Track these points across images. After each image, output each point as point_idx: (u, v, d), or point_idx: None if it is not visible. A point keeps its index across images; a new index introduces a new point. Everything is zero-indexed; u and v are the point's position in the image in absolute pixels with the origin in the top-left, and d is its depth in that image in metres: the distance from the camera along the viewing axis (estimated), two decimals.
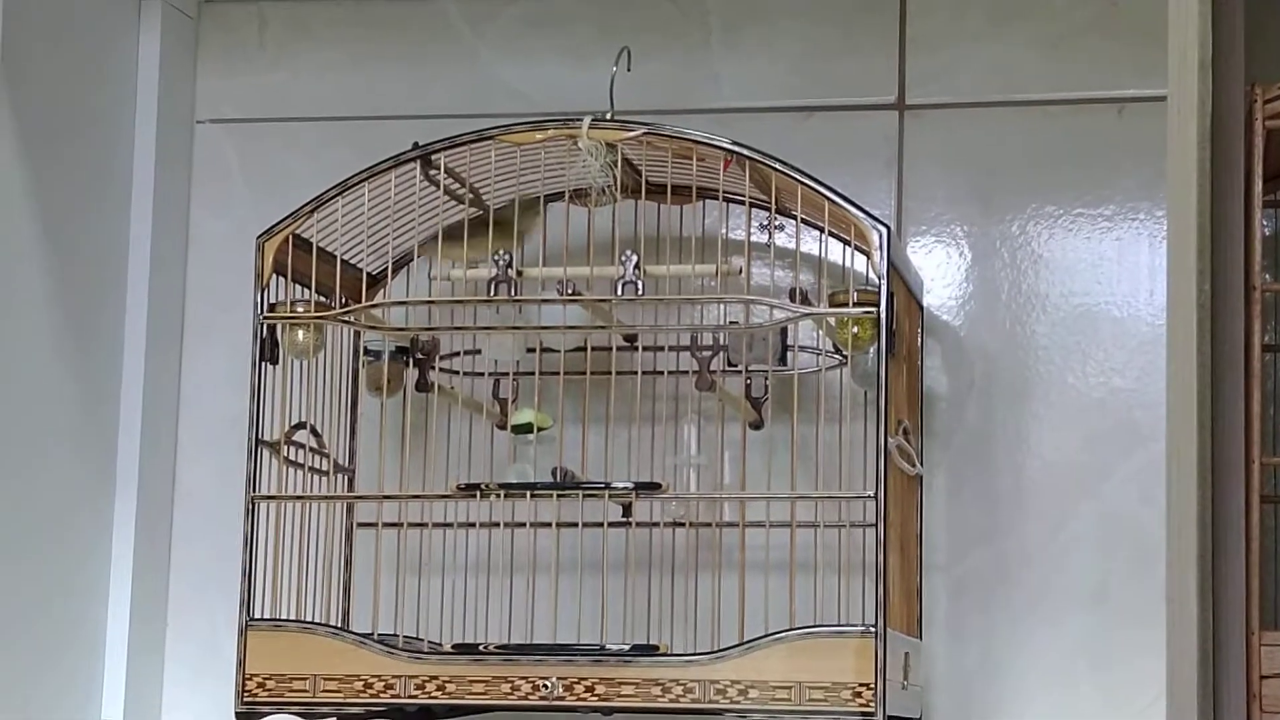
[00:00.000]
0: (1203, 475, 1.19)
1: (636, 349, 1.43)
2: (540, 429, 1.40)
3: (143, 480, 1.53)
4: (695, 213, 1.42)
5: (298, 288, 1.39)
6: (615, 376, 1.36)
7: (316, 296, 1.39)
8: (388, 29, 1.58)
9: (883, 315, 1.31)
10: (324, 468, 1.42)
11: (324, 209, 1.38)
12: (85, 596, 1.50)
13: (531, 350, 1.42)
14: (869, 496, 1.30)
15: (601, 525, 1.35)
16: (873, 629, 1.27)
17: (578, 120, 1.35)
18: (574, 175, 1.38)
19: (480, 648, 1.33)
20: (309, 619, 1.36)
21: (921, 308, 1.46)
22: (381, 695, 1.32)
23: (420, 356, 1.44)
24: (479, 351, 1.44)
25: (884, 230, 1.31)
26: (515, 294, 1.36)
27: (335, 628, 1.36)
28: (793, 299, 1.34)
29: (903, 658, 1.34)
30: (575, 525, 1.35)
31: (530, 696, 1.30)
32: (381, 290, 1.44)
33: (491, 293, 1.36)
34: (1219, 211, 1.24)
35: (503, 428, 1.44)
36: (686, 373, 1.40)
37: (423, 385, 1.44)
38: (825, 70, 1.52)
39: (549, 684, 1.30)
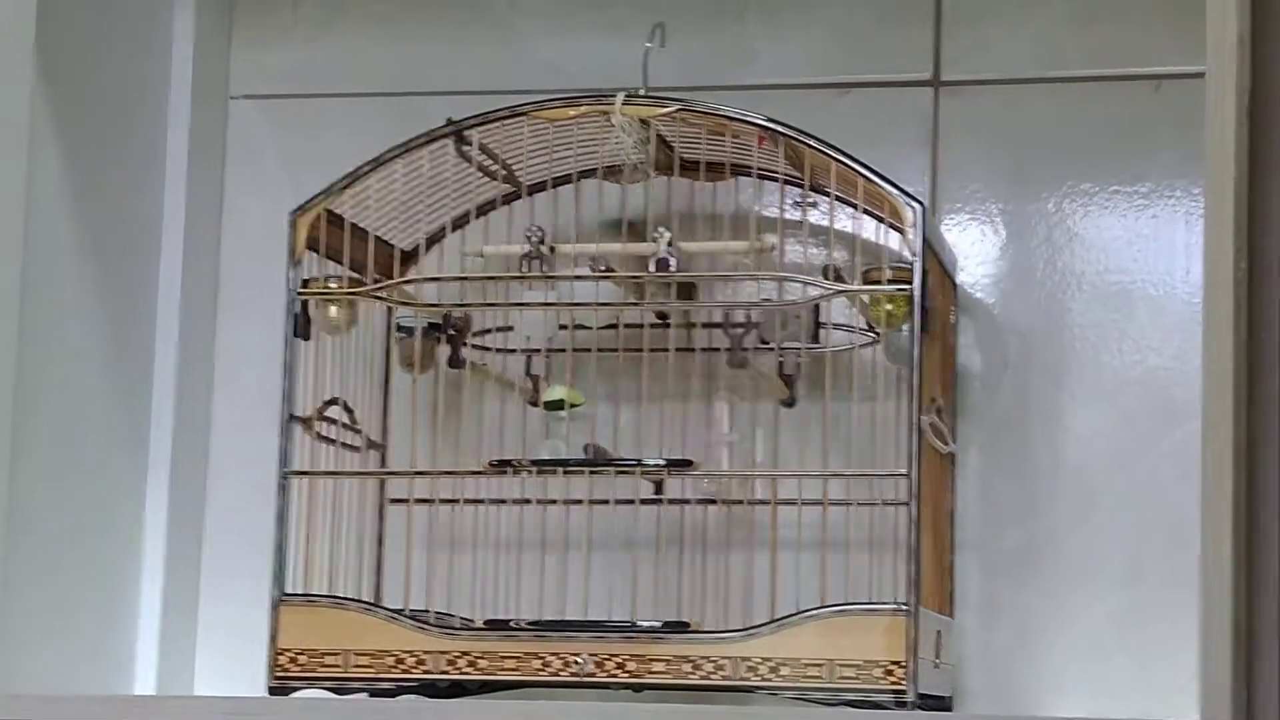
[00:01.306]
0: (1239, 453, 1.18)
1: (669, 326, 1.42)
2: (572, 406, 1.40)
3: (176, 456, 1.53)
4: (729, 189, 1.41)
5: (331, 264, 1.39)
6: (648, 353, 1.36)
7: (349, 273, 1.39)
8: (423, 4, 1.58)
9: (917, 292, 1.30)
10: (356, 444, 1.43)
11: (357, 185, 1.38)
12: (118, 571, 1.50)
13: (564, 327, 1.42)
14: (902, 474, 1.29)
15: (633, 502, 1.35)
16: (905, 607, 1.27)
17: (611, 96, 1.35)
18: (607, 152, 1.37)
19: (512, 624, 1.33)
20: (341, 595, 1.36)
21: (955, 285, 1.46)
22: (413, 671, 1.32)
23: (452, 333, 1.44)
24: (511, 328, 1.44)
25: (918, 207, 1.31)
26: (548, 270, 1.36)
27: (367, 603, 1.36)
28: (826, 276, 1.34)
29: (935, 636, 1.33)
30: (607, 502, 1.35)
31: (561, 673, 1.30)
32: (414, 266, 1.44)
33: (524, 269, 1.36)
34: (1257, 189, 1.23)
35: (535, 404, 1.44)
36: (719, 350, 1.40)
37: (455, 362, 1.44)
38: (860, 47, 1.52)
39: (580, 660, 1.30)
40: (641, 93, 1.36)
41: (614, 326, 1.41)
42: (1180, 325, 1.45)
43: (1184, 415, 1.42)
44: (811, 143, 1.33)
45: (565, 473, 1.34)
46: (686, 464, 1.35)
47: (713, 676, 1.28)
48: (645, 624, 1.31)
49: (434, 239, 1.44)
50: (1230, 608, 1.16)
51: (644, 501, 1.36)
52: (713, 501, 1.41)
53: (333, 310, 1.39)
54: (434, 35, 1.57)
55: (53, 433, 1.43)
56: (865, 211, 1.34)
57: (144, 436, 1.53)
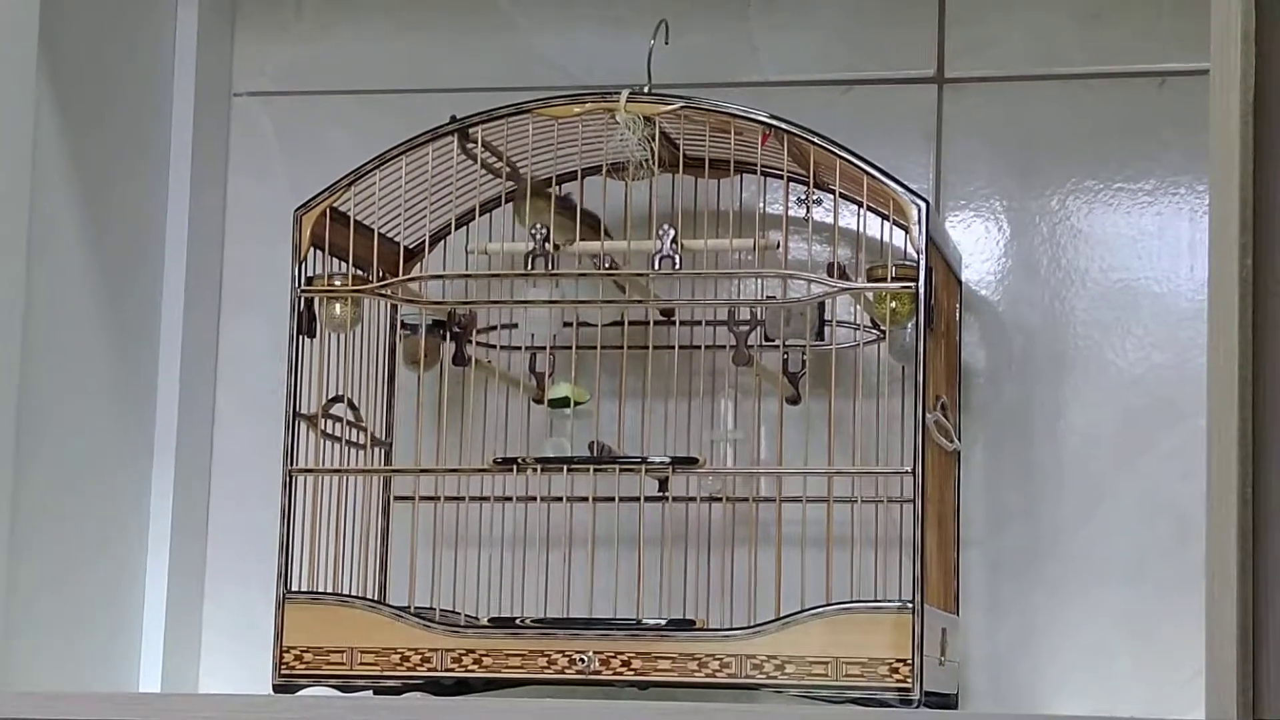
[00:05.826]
0: (1243, 451, 1.18)
1: (673, 323, 1.42)
2: (577, 403, 1.40)
3: (180, 453, 1.53)
4: (733, 187, 1.41)
5: (335, 261, 1.39)
6: (652, 351, 1.36)
7: (354, 270, 1.39)
8: (427, 1, 1.58)
9: (921, 290, 1.30)
10: (361, 441, 1.42)
11: (361, 182, 1.38)
12: (123, 569, 1.51)
13: (568, 324, 1.42)
14: (906, 472, 1.29)
15: (638, 500, 1.35)
16: (910, 605, 1.27)
17: (615, 94, 1.35)
18: (611, 149, 1.37)
19: (517, 621, 1.33)
20: (346, 592, 1.36)
21: (960, 283, 1.46)
22: (418, 668, 1.32)
23: (457, 330, 1.44)
24: (516, 325, 1.44)
25: (923, 205, 1.30)
26: (552, 268, 1.36)
27: (372, 601, 1.36)
28: (830, 274, 1.34)
29: (940, 634, 1.33)
30: (612, 500, 1.35)
31: (566, 670, 1.30)
32: (419, 264, 1.44)
33: (529, 266, 1.36)
34: (1262, 186, 1.23)
35: (539, 402, 1.44)
36: (723, 347, 1.40)
37: (459, 359, 1.44)
38: (864, 43, 1.52)
39: (585, 658, 1.30)
40: (646, 90, 1.36)
41: (618, 324, 1.41)
42: (1184, 322, 1.45)
43: (1188, 412, 1.42)
44: (815, 140, 1.33)
45: (570, 470, 1.34)
46: (691, 461, 1.34)
47: (718, 674, 1.28)
48: (650, 622, 1.31)
49: (438, 236, 1.43)
50: (1235, 604, 1.16)
51: (649, 499, 1.36)
52: (717, 499, 1.41)
53: (337, 307, 1.39)
54: (438, 32, 1.57)
55: (57, 431, 1.43)
56: (869, 209, 1.33)
57: (148, 434, 1.53)
